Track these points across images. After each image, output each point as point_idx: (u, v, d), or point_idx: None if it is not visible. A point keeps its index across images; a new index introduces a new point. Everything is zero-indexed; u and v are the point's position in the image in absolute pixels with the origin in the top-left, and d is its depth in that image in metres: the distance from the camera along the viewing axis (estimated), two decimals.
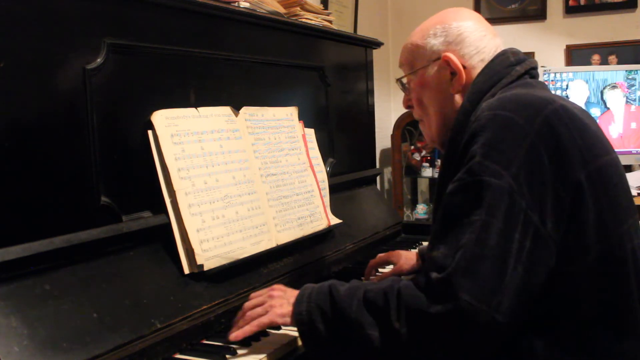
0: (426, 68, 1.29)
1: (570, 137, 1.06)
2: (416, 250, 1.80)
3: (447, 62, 1.25)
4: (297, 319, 1.16)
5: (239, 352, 1.20)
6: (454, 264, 1.00)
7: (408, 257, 1.74)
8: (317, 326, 1.13)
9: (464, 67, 1.25)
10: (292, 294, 1.22)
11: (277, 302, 1.22)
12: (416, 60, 1.31)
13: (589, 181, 1.05)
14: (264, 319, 1.20)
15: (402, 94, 1.40)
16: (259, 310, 1.22)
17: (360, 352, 1.09)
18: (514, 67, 1.21)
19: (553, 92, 3.29)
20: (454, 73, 1.25)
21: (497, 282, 0.98)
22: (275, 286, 1.29)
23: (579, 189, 1.04)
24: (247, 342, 1.24)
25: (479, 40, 1.25)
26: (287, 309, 1.19)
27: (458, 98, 1.26)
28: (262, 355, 1.19)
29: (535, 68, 1.25)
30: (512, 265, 0.99)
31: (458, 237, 1.02)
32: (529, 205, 1.01)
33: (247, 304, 1.27)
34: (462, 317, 0.98)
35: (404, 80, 1.36)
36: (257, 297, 1.27)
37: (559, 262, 1.03)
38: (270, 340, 1.27)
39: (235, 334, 1.21)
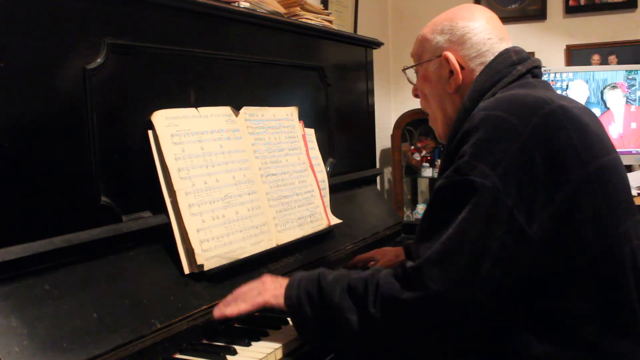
0: (429, 62, 1.31)
1: (566, 138, 1.06)
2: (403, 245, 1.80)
3: (447, 61, 1.26)
4: (288, 302, 1.22)
5: (239, 352, 1.20)
6: (427, 255, 1.04)
7: (393, 253, 1.75)
8: (304, 309, 1.19)
9: (463, 68, 1.25)
10: (284, 280, 1.28)
11: (271, 286, 1.28)
12: (423, 52, 1.33)
13: (587, 182, 1.05)
14: (259, 299, 1.26)
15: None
16: (253, 293, 1.28)
17: (342, 335, 1.15)
18: (515, 67, 1.21)
19: None
20: (452, 72, 1.26)
21: (469, 276, 1.01)
22: (265, 274, 1.34)
23: (574, 190, 1.04)
24: (247, 342, 1.24)
25: (482, 44, 1.24)
26: (280, 291, 1.25)
27: (455, 97, 1.27)
28: (263, 355, 1.19)
29: (538, 67, 1.25)
30: (490, 262, 1.01)
31: (439, 233, 1.05)
32: (515, 205, 1.02)
33: (240, 289, 1.31)
34: (429, 305, 1.02)
35: (413, 69, 1.39)
36: (248, 284, 1.32)
37: (553, 260, 1.04)
38: (270, 339, 1.27)
39: (230, 311, 1.25)
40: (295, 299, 1.21)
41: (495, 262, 1.01)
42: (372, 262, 1.76)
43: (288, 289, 1.24)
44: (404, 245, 1.76)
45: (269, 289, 1.27)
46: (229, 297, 1.30)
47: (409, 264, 1.07)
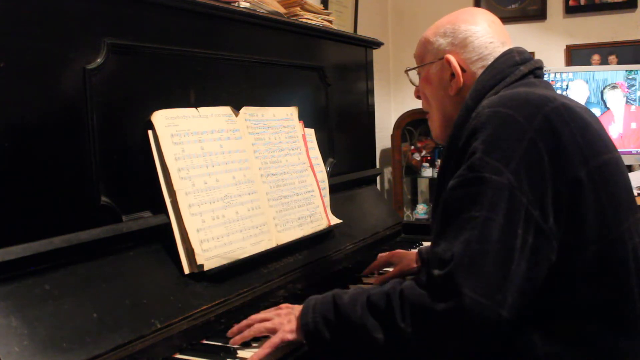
0: (432, 65, 1.32)
1: (570, 135, 1.06)
2: (416, 250, 1.80)
3: (449, 63, 1.27)
4: (304, 330, 1.17)
5: (239, 352, 1.20)
6: (456, 260, 1.00)
7: (409, 258, 1.74)
8: (323, 335, 1.14)
9: (464, 71, 1.27)
10: (298, 308, 1.23)
11: (286, 319, 1.22)
12: (426, 55, 1.34)
13: (590, 179, 1.05)
14: (275, 340, 1.19)
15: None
16: (267, 324, 1.22)
17: (366, 355, 1.10)
18: (518, 67, 1.22)
19: None
20: (453, 74, 1.27)
21: (500, 278, 0.99)
22: (283, 305, 1.30)
23: (578, 186, 1.04)
24: (247, 342, 1.24)
25: (483, 47, 1.26)
26: (295, 323, 1.20)
27: (457, 99, 1.28)
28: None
29: (540, 68, 1.26)
30: (515, 261, 0.99)
31: (459, 233, 1.02)
32: (529, 201, 1.01)
33: (255, 316, 1.27)
34: (466, 313, 0.98)
35: (415, 71, 1.40)
36: (264, 312, 1.28)
37: (557, 258, 1.04)
38: (270, 339, 1.27)
39: (251, 358, 1.18)
40: (312, 326, 1.15)
41: (521, 261, 1.00)
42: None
43: (303, 316, 1.18)
44: (419, 251, 1.74)
45: (285, 325, 1.21)
46: (245, 323, 1.25)
47: (437, 272, 1.02)
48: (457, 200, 1.07)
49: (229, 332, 1.25)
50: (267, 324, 1.22)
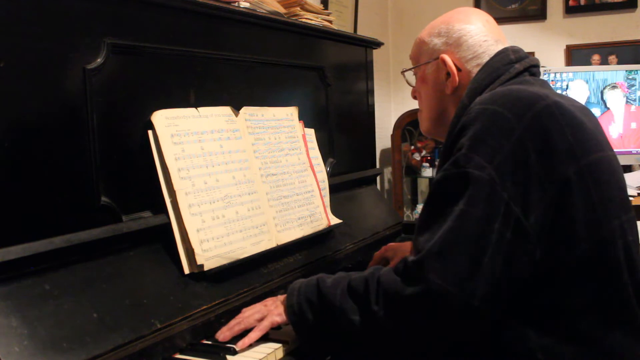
0: (427, 65, 1.33)
1: (560, 133, 1.06)
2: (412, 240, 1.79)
3: (444, 63, 1.27)
4: (289, 311, 1.22)
5: (239, 352, 1.20)
6: (427, 248, 1.03)
7: (403, 249, 1.75)
8: (306, 316, 1.19)
9: (460, 70, 1.28)
10: (283, 296, 1.28)
11: (273, 306, 1.27)
12: (421, 55, 1.36)
13: (579, 177, 1.06)
14: (265, 323, 1.24)
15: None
16: (255, 315, 1.27)
17: (346, 337, 1.14)
18: (513, 65, 1.23)
19: None
20: (449, 74, 1.28)
21: (471, 269, 1.00)
22: (268, 299, 1.34)
23: (567, 185, 1.05)
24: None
25: (478, 46, 1.27)
26: (282, 307, 1.25)
27: (453, 98, 1.29)
28: (263, 355, 1.20)
29: (536, 66, 1.27)
30: (489, 254, 1.01)
31: (438, 225, 1.05)
32: (511, 197, 1.02)
33: (241, 315, 1.30)
34: (432, 299, 1.01)
35: (412, 72, 1.41)
36: (251, 308, 1.31)
37: (548, 254, 1.04)
38: (270, 339, 1.27)
39: (242, 342, 1.22)
40: (297, 307, 1.20)
41: (495, 255, 1.01)
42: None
43: (288, 297, 1.23)
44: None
45: (272, 310, 1.26)
46: (233, 322, 1.28)
47: (410, 258, 1.06)
48: (439, 193, 1.10)
49: (217, 334, 1.27)
50: (256, 315, 1.27)
